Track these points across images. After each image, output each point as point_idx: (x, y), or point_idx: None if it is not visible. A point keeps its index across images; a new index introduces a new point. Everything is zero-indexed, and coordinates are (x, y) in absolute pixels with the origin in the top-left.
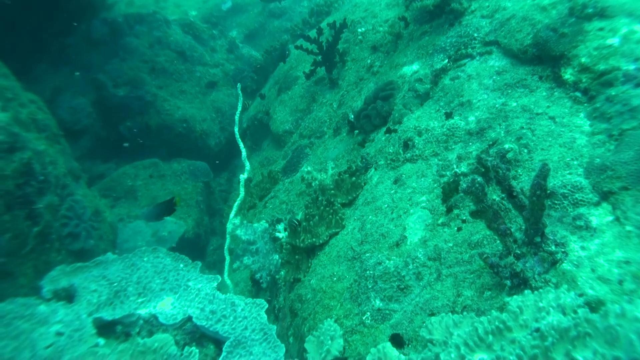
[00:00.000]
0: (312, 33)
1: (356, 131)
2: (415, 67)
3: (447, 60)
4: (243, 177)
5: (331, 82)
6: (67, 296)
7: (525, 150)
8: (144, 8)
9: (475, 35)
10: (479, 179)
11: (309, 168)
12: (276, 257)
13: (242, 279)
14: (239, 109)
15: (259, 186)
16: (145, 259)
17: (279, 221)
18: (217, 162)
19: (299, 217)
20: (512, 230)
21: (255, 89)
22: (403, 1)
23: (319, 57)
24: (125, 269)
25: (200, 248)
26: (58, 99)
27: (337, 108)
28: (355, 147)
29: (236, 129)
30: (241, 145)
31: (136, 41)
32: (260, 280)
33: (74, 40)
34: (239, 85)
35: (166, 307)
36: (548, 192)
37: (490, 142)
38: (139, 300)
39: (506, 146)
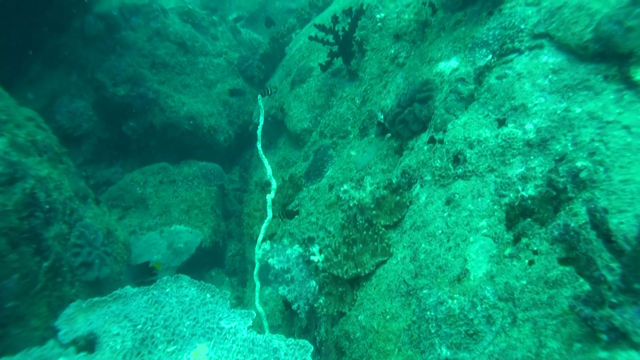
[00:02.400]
0: (321, 18)
1: (388, 134)
2: (453, 63)
3: (491, 56)
4: (270, 196)
5: (350, 74)
6: (88, 343)
7: (601, 169)
8: None
9: (522, 26)
10: (572, 223)
11: (345, 187)
12: (313, 283)
13: (272, 298)
14: (261, 122)
15: (281, 193)
16: (167, 290)
17: (311, 240)
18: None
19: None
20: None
21: (263, 79)
22: None
23: (335, 48)
24: (149, 308)
25: (218, 255)
26: (55, 103)
27: (360, 104)
28: (390, 153)
29: (259, 145)
30: (266, 162)
31: (133, 35)
32: (298, 311)
33: (68, 39)
34: (259, 97)
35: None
36: None
37: (557, 157)
38: (169, 349)
39: (578, 164)
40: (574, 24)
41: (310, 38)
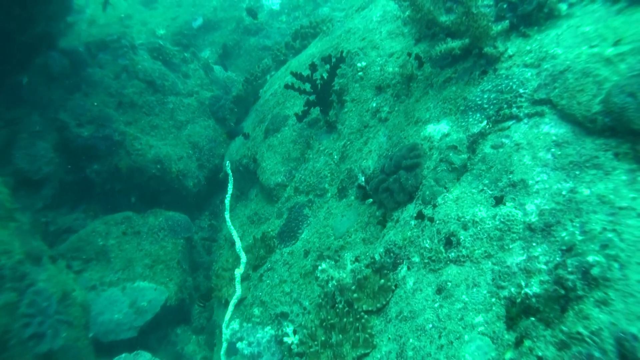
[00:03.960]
0: (298, 62)
1: (369, 200)
2: (444, 127)
3: (485, 122)
4: (239, 271)
5: (328, 126)
6: None
7: (616, 265)
8: (107, 27)
9: (521, 91)
10: (597, 353)
11: (323, 265)
12: None
13: None
14: (230, 191)
15: (252, 253)
16: None
17: (284, 316)
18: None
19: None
20: None
21: (235, 122)
22: (409, 30)
23: (313, 97)
24: None
25: (185, 312)
26: (14, 145)
27: (339, 161)
28: (372, 222)
29: (227, 214)
30: (234, 233)
31: (100, 72)
32: None
33: (29, 76)
34: (227, 163)
35: None
36: None
37: (564, 247)
38: None
39: (590, 259)
40: (579, 92)
41: (287, 86)
